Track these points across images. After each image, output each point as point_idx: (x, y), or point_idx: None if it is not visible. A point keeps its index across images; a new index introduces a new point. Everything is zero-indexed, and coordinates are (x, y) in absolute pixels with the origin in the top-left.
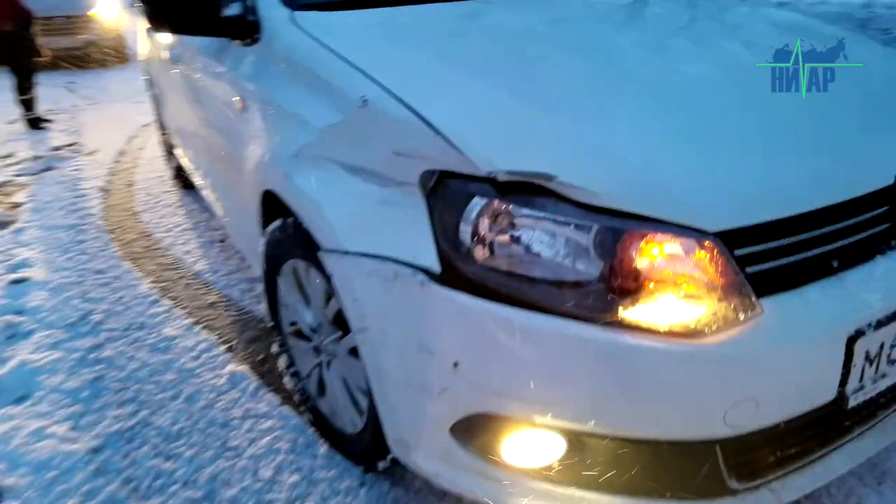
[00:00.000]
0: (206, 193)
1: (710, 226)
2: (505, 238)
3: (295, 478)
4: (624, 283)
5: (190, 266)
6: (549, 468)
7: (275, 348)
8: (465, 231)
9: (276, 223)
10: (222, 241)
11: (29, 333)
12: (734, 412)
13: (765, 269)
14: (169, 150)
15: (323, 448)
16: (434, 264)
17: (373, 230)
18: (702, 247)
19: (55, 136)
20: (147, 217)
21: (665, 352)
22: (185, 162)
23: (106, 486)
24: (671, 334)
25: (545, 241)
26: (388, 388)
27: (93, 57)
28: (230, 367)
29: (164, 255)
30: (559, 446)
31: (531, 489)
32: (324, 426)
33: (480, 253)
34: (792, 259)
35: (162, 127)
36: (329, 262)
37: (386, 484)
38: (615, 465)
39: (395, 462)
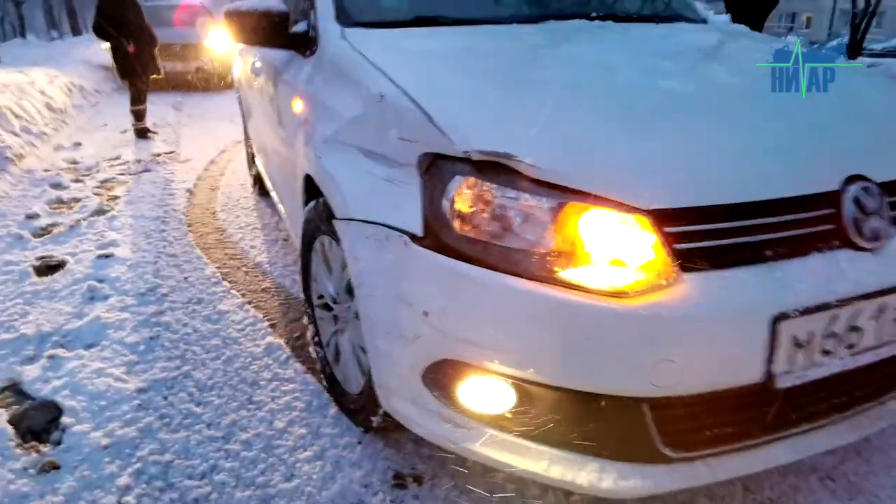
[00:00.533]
0: (273, 195)
1: (644, 204)
2: (475, 209)
3: (303, 430)
4: (565, 249)
5: (252, 258)
6: (502, 417)
7: (305, 320)
8: (446, 203)
9: (311, 204)
10: (285, 239)
11: (106, 297)
12: (657, 371)
13: (693, 248)
14: (251, 160)
15: (333, 410)
16: (418, 230)
17: (376, 202)
18: (634, 221)
19: (157, 145)
20: (223, 216)
21: (593, 307)
22: (261, 167)
23: (144, 418)
24: (601, 293)
25: (504, 212)
26: (376, 335)
27: (201, 81)
28: (268, 339)
29: (231, 248)
30: (510, 396)
31: (485, 435)
32: (336, 390)
33: (454, 221)
34: (723, 242)
35: (247, 138)
36: (340, 228)
37: (380, 444)
38: (557, 418)
39: (386, 419)
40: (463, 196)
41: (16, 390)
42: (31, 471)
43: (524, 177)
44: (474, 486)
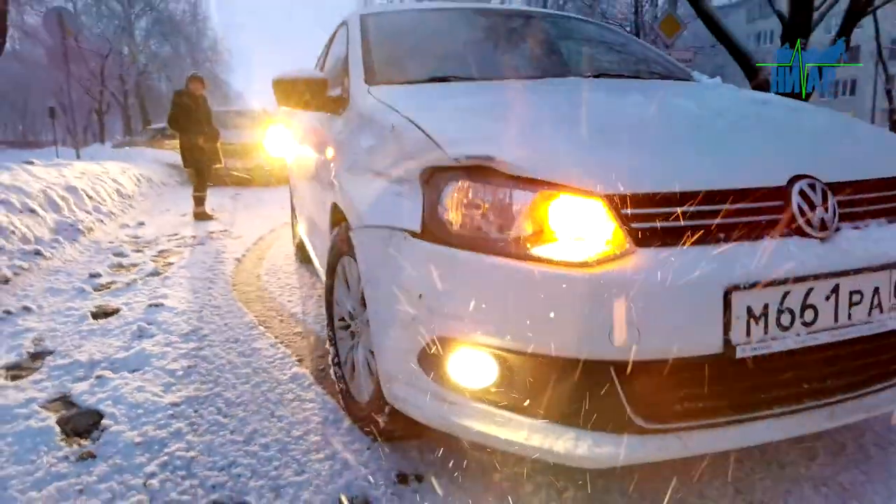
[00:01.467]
0: (310, 248)
1: (600, 190)
2: (465, 206)
3: (317, 438)
4: (537, 230)
5: (288, 309)
6: (486, 390)
7: (327, 345)
8: (441, 205)
9: (335, 231)
10: (320, 296)
11: (152, 335)
12: (617, 332)
13: (648, 227)
14: (295, 228)
15: (347, 423)
16: (416, 227)
17: (384, 211)
18: (592, 204)
19: (213, 225)
20: (266, 278)
21: (558, 275)
22: (302, 231)
23: (175, 424)
24: (565, 264)
25: (489, 205)
26: (380, 326)
27: (258, 177)
28: (294, 369)
29: (270, 301)
30: (492, 368)
31: (474, 410)
32: (349, 403)
33: (447, 218)
34: (677, 224)
35: (292, 208)
36: (354, 235)
37: (387, 449)
38: (535, 387)
39: (391, 417)
40: (455, 197)
41: (65, 401)
42: (72, 458)
43: (504, 174)
44: (471, 483)
